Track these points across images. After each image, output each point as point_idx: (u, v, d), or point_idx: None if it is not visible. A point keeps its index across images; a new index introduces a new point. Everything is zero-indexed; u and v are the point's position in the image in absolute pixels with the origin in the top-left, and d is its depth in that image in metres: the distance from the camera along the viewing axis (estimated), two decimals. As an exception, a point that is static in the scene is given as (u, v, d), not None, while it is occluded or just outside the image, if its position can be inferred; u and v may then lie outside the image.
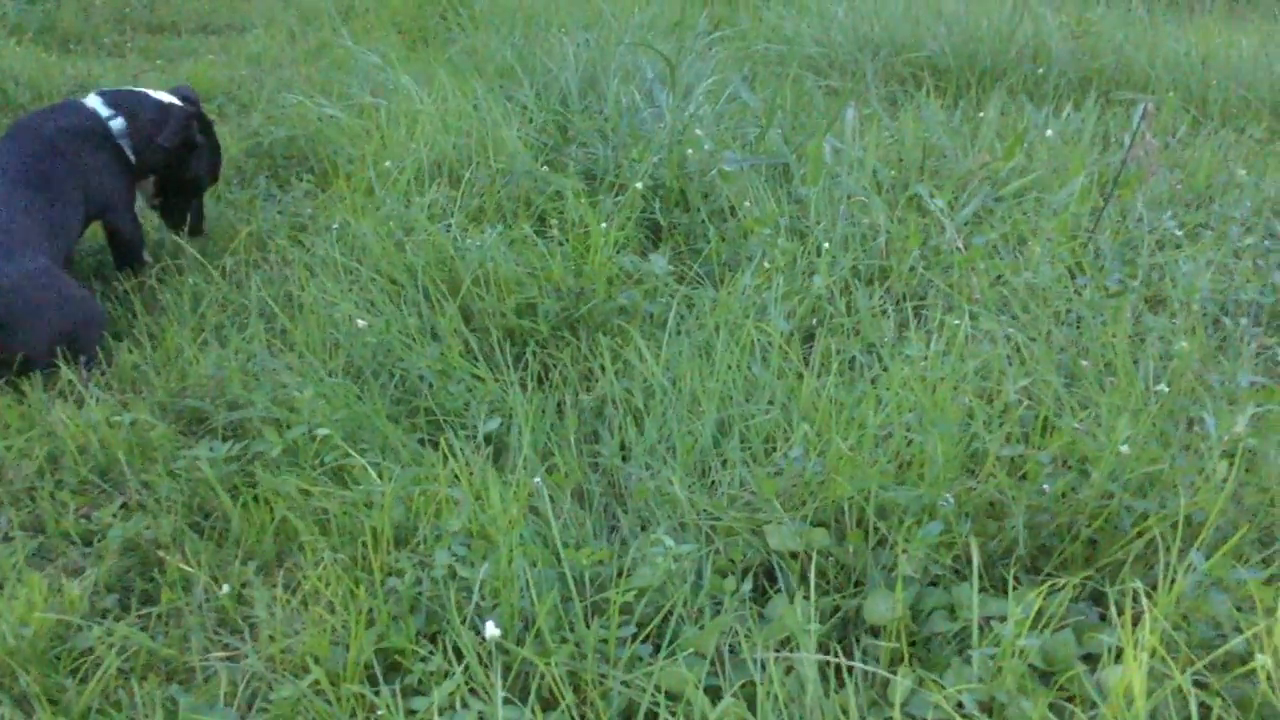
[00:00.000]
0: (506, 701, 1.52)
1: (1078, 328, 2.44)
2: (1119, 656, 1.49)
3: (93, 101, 2.87)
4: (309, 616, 1.69)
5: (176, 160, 2.97)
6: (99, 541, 1.93)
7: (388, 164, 3.22)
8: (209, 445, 2.06)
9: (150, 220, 3.19)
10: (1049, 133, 3.56)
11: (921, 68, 4.62)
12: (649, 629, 1.61)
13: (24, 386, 2.31)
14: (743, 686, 1.55)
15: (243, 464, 2.08)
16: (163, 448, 2.12)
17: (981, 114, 3.81)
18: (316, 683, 1.56)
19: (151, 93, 2.99)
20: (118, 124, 2.86)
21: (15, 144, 2.69)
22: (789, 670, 1.54)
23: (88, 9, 6.30)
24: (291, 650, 1.65)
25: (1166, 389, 2.09)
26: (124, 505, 2.03)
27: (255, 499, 1.96)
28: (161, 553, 1.88)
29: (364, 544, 1.81)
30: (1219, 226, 3.07)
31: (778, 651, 1.56)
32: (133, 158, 2.89)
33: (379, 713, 1.51)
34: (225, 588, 1.78)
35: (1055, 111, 4.00)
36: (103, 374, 2.42)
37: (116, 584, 1.86)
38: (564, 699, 1.52)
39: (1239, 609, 1.56)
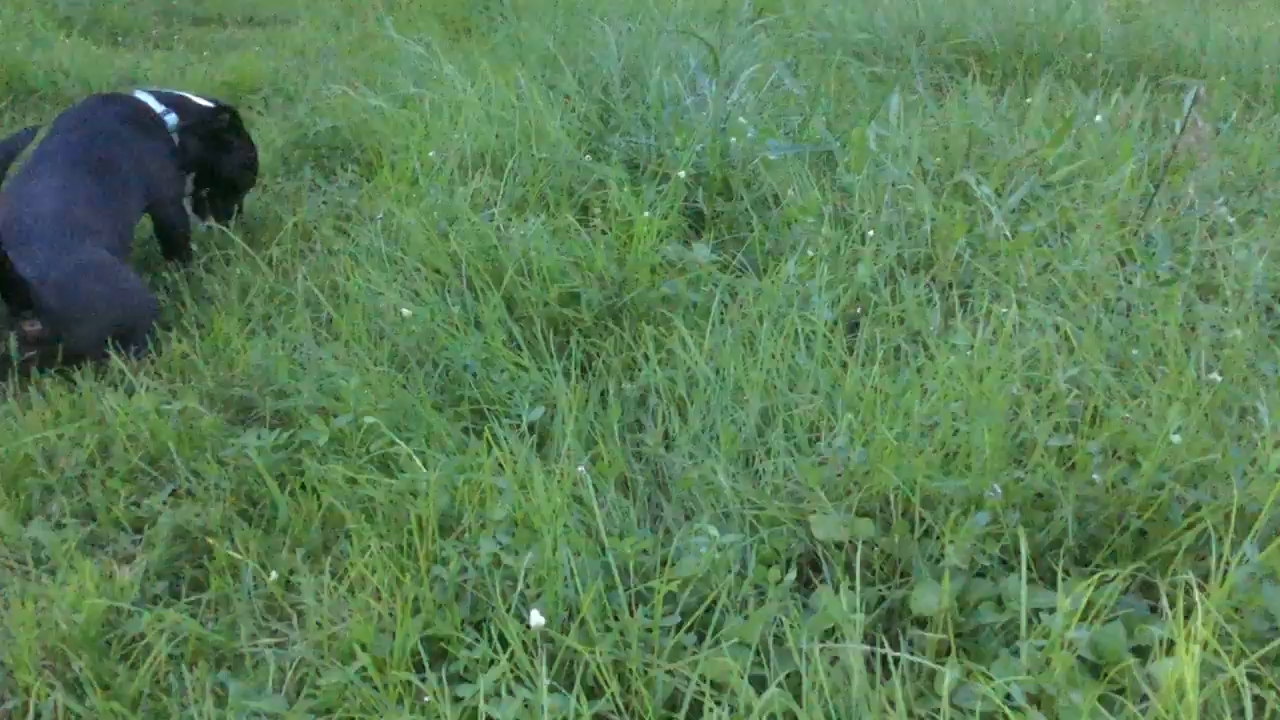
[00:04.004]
0: (551, 690, 1.52)
1: (1128, 316, 2.41)
2: (1170, 649, 1.47)
3: (144, 96, 2.93)
4: (355, 604, 1.70)
5: (210, 156, 3.03)
6: (149, 529, 1.95)
7: (431, 154, 3.23)
8: (257, 434, 2.08)
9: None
10: (1098, 119, 3.51)
11: (967, 53, 4.57)
12: (693, 619, 1.61)
13: (75, 375, 2.34)
14: (788, 677, 1.54)
15: (290, 452, 2.10)
16: (211, 436, 2.15)
17: (1029, 100, 3.76)
18: (363, 669, 1.57)
19: (192, 95, 3.09)
20: (172, 119, 2.93)
21: (71, 133, 2.73)
22: (834, 661, 1.53)
23: (135, 2, 6.37)
24: (338, 637, 1.66)
25: (1219, 378, 2.06)
26: (174, 493, 2.06)
27: (303, 487, 1.98)
28: (210, 540, 1.90)
29: (409, 532, 1.82)
30: (1272, 212, 3.02)
31: (823, 642, 1.56)
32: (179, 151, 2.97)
33: (425, 699, 1.52)
34: (273, 575, 1.79)
35: (1104, 97, 3.94)
36: (152, 363, 2.45)
37: (166, 571, 1.88)
38: (609, 688, 1.52)
39: (1294, 602, 1.54)
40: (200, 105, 3.04)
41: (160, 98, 2.98)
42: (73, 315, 2.34)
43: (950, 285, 2.63)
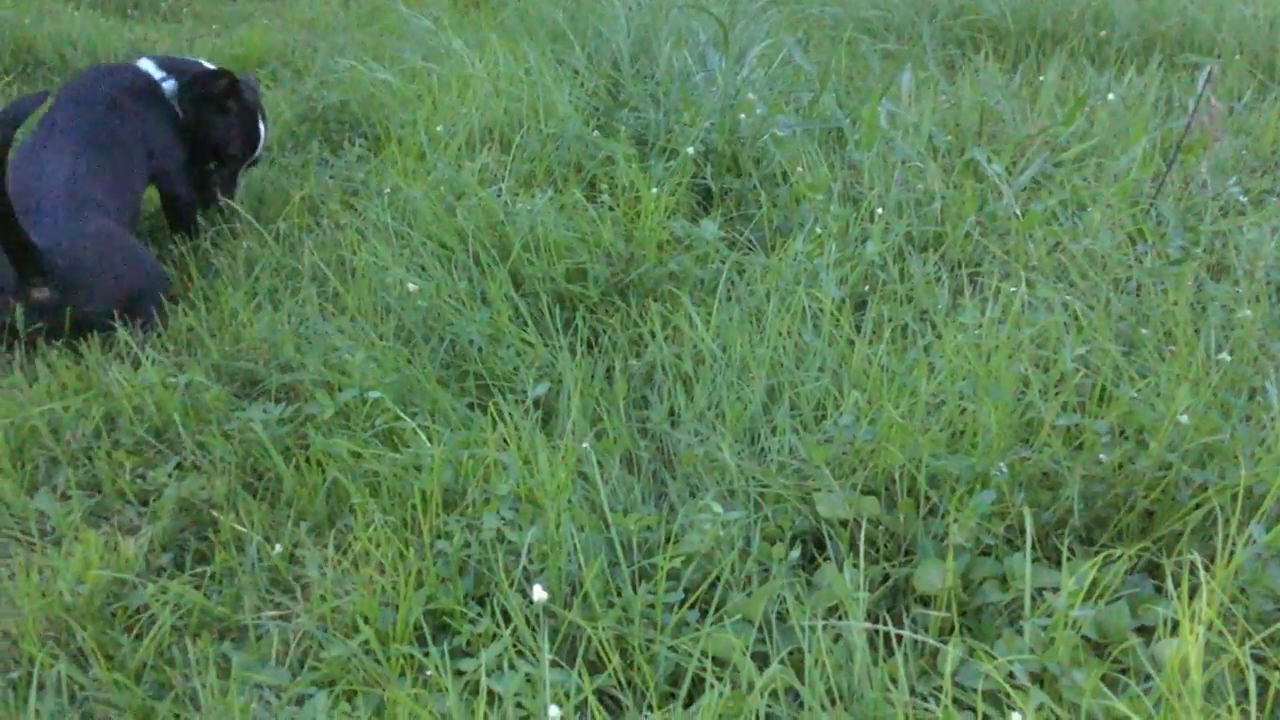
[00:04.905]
0: (553, 664, 1.52)
1: (1138, 295, 2.39)
2: (1175, 629, 1.46)
3: (145, 64, 2.91)
4: (359, 577, 1.71)
5: (201, 119, 2.99)
6: (154, 501, 1.96)
7: (439, 128, 3.22)
8: (262, 407, 2.08)
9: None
10: (1110, 97, 3.48)
11: (980, 30, 4.54)
12: (696, 595, 1.61)
13: (81, 348, 2.34)
14: (790, 654, 1.54)
15: (295, 426, 2.10)
16: (217, 409, 2.15)
17: (1041, 78, 3.73)
18: (366, 643, 1.58)
19: (202, 61, 3.03)
20: (170, 85, 2.90)
21: (75, 104, 2.72)
22: (837, 638, 1.53)
23: (145, -26, 6.35)
24: (342, 610, 1.67)
25: (1228, 358, 2.04)
26: (179, 465, 2.06)
27: (307, 461, 1.98)
28: (215, 512, 1.90)
29: (413, 506, 1.82)
30: (1286, 193, 2.99)
31: (826, 619, 1.56)
32: (181, 115, 2.94)
33: (427, 673, 1.53)
34: (277, 548, 1.80)
35: (1117, 75, 3.91)
36: (158, 336, 2.45)
37: (171, 543, 1.88)
38: (611, 662, 1.52)
39: (1300, 583, 1.53)
40: (198, 67, 3.01)
41: (161, 64, 2.95)
42: (82, 282, 2.35)
43: (959, 263, 2.61)
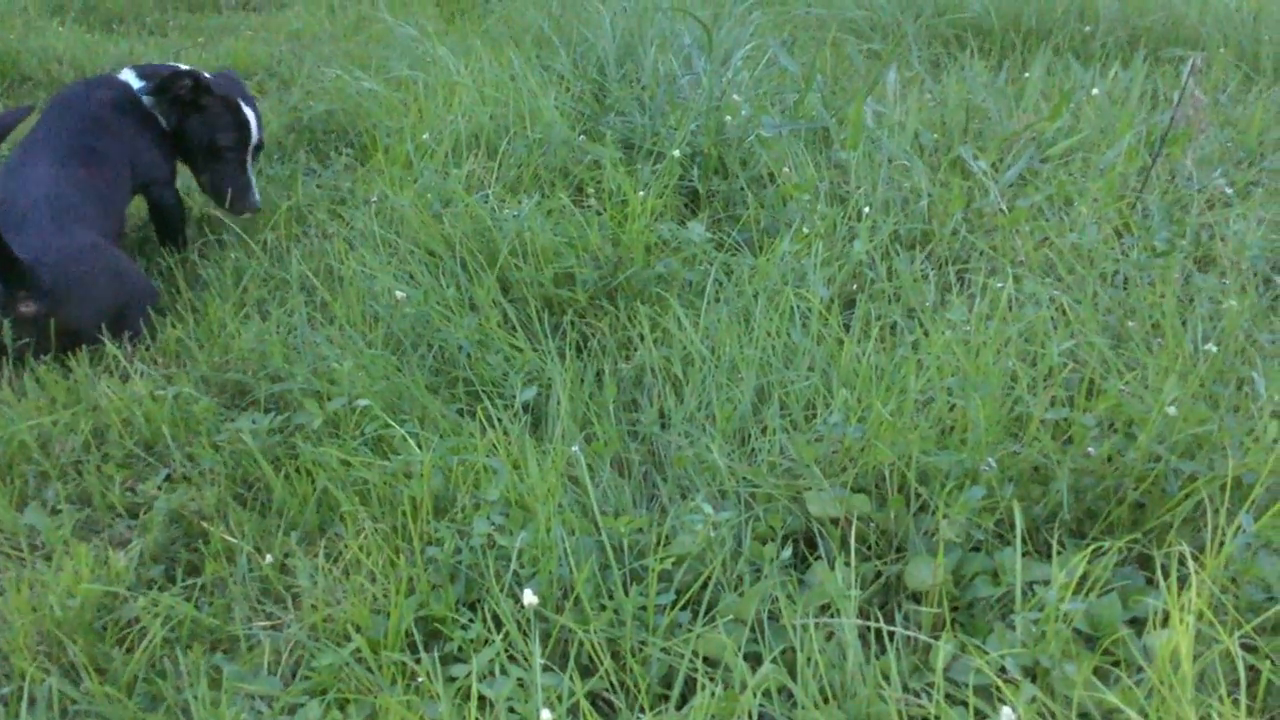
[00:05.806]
0: (545, 668, 1.52)
1: (1124, 289, 2.40)
2: (1166, 620, 1.46)
3: (127, 74, 2.90)
4: (350, 585, 1.70)
5: (182, 122, 2.95)
6: (144, 513, 1.95)
7: (425, 136, 3.22)
8: (251, 418, 2.08)
9: (194, 197, 3.22)
10: (1095, 92, 3.49)
11: (965, 28, 4.54)
12: (688, 596, 1.60)
13: (70, 362, 2.33)
14: (783, 653, 1.54)
15: (284, 436, 2.09)
16: (206, 421, 2.14)
17: (1027, 74, 3.74)
18: (358, 651, 1.57)
19: (181, 66, 2.99)
20: (147, 99, 2.88)
21: (59, 118, 2.72)
22: (830, 636, 1.53)
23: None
24: (333, 619, 1.66)
25: (1215, 349, 2.05)
26: (168, 478, 2.05)
27: (297, 470, 1.98)
28: (206, 524, 1.90)
29: (404, 513, 1.82)
30: (1270, 184, 3.00)
31: (818, 618, 1.55)
32: (165, 124, 2.91)
33: (419, 680, 1.52)
34: (268, 558, 1.79)
35: (1102, 71, 3.92)
36: (147, 348, 2.45)
37: (162, 555, 1.88)
38: (603, 665, 1.52)
39: (1290, 572, 1.53)
40: (164, 69, 2.96)
41: (142, 73, 2.93)
42: (69, 295, 2.34)
43: (947, 261, 2.61)
